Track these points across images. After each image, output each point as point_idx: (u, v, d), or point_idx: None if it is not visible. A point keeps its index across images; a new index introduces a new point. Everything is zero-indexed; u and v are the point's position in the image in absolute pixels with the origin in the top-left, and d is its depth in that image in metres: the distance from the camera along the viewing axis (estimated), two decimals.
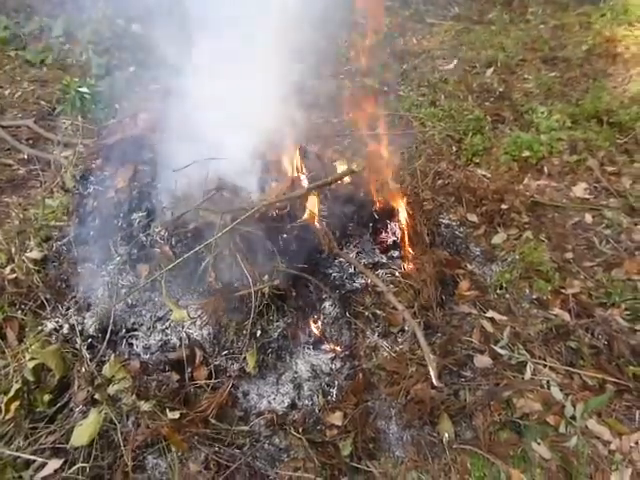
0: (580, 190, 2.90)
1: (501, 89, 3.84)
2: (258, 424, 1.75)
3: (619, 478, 1.65)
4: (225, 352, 1.87)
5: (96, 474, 1.58)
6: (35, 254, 2.20)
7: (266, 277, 1.86)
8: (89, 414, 1.65)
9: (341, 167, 2.32)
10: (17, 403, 1.67)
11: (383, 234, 2.27)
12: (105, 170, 2.29)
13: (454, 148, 3.27)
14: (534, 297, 2.25)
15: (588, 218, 2.69)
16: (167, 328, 1.92)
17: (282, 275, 1.89)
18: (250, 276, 1.80)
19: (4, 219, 2.58)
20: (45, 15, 4.64)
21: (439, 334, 2.04)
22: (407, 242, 2.27)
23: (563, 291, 2.25)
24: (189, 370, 1.81)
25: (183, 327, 1.90)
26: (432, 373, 1.73)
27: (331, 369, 1.90)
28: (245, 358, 1.83)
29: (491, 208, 2.70)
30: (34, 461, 1.58)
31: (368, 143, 2.46)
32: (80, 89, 3.52)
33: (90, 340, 1.89)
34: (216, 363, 1.85)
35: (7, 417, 1.65)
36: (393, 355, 1.94)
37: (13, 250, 2.20)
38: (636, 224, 2.63)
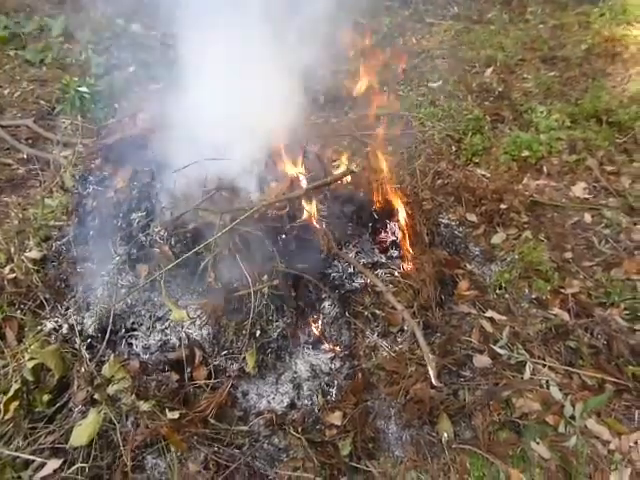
0: (579, 190, 2.90)
1: (500, 89, 3.84)
2: (257, 424, 1.75)
3: (618, 478, 1.66)
4: (224, 352, 1.87)
5: (95, 474, 1.59)
6: (34, 254, 2.20)
7: (265, 277, 1.86)
8: (88, 414, 1.65)
9: (340, 167, 2.32)
10: (16, 403, 1.67)
11: (382, 234, 2.27)
12: (104, 170, 2.29)
13: (453, 148, 3.27)
14: (533, 297, 2.25)
15: (587, 218, 2.70)
16: (166, 328, 1.92)
17: (281, 275, 1.89)
18: (249, 276, 1.80)
19: (3, 219, 2.58)
20: (45, 15, 4.64)
21: (438, 334, 2.04)
22: (406, 242, 2.27)
23: (562, 291, 2.25)
24: (188, 370, 1.81)
25: (182, 327, 1.90)
26: (431, 373, 1.73)
27: (330, 369, 1.90)
28: (244, 358, 1.83)
29: (490, 208, 2.70)
30: (33, 461, 1.58)
31: (368, 143, 2.46)
32: (79, 89, 3.52)
33: (89, 340, 1.89)
34: (215, 363, 1.85)
35: (6, 417, 1.65)
36: (392, 355, 1.95)
37: (12, 250, 2.20)
38: (635, 224, 2.63)
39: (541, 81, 3.86)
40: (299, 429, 1.72)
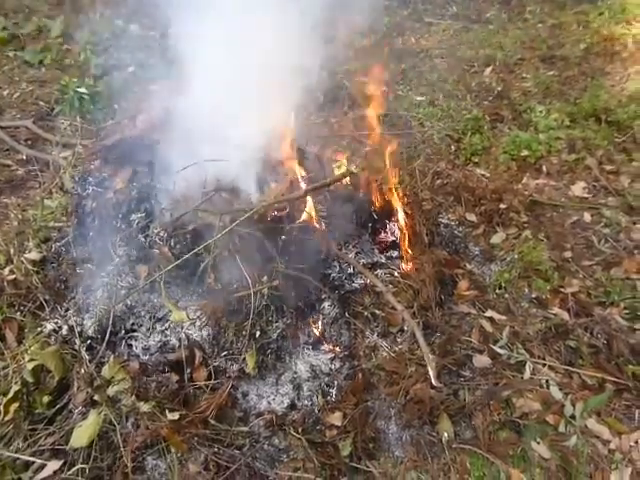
0: (579, 189, 2.90)
1: (499, 88, 3.84)
2: (258, 425, 1.75)
3: (619, 477, 1.66)
4: (224, 353, 1.87)
5: (95, 475, 1.58)
6: (34, 255, 2.19)
7: (265, 278, 1.86)
8: (88, 415, 1.65)
9: (340, 168, 2.32)
10: (16, 404, 1.67)
11: (382, 234, 2.27)
12: (104, 171, 2.28)
13: (453, 148, 3.27)
14: (533, 296, 2.25)
15: (587, 217, 2.70)
16: (166, 329, 1.92)
17: (281, 276, 1.89)
18: (249, 277, 1.80)
19: (3, 220, 2.58)
20: (43, 16, 4.64)
21: (438, 334, 2.04)
22: (406, 242, 2.27)
23: (562, 290, 2.25)
24: (188, 371, 1.81)
25: (182, 328, 1.90)
26: (431, 373, 1.73)
27: (330, 369, 1.90)
28: (244, 359, 1.83)
29: (490, 207, 2.70)
30: (33, 462, 1.58)
31: (367, 143, 2.46)
32: (79, 89, 3.52)
33: (89, 341, 1.89)
34: (215, 364, 1.85)
35: (6, 418, 1.65)
36: (392, 355, 1.95)
37: (12, 251, 2.20)
38: (635, 223, 2.63)
39: (540, 80, 3.86)
40: (299, 430, 1.72)
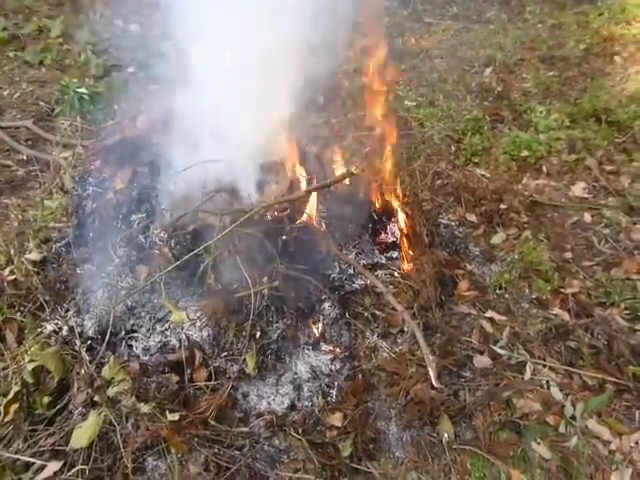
0: (579, 189, 2.90)
1: (500, 89, 3.84)
2: (258, 425, 1.74)
3: (619, 478, 1.66)
4: (225, 353, 1.86)
5: (96, 476, 1.58)
6: (34, 256, 2.19)
7: (265, 278, 1.86)
8: (88, 416, 1.65)
9: (340, 169, 2.32)
10: (16, 405, 1.67)
11: (382, 235, 2.27)
12: (104, 171, 2.28)
13: (453, 148, 3.27)
14: (533, 297, 2.25)
15: (587, 217, 2.70)
16: (166, 330, 1.91)
17: (281, 276, 1.88)
18: (249, 278, 1.80)
19: (3, 220, 2.58)
20: (44, 16, 4.64)
21: (438, 334, 2.04)
22: (406, 242, 2.27)
23: (562, 291, 2.25)
24: (189, 372, 1.80)
25: (182, 329, 1.90)
26: (432, 374, 1.73)
27: (331, 370, 1.90)
28: (245, 359, 1.82)
29: (490, 208, 2.70)
30: (33, 463, 1.58)
31: (367, 144, 2.46)
32: (79, 90, 3.52)
33: (89, 342, 1.89)
34: (216, 364, 1.84)
35: (6, 419, 1.65)
36: (393, 356, 1.95)
37: (12, 252, 2.20)
38: (635, 223, 2.63)
39: (540, 81, 3.86)
40: (299, 430, 1.72)
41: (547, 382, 1.90)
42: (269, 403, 1.82)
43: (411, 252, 2.25)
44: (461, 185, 2.86)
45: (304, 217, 2.06)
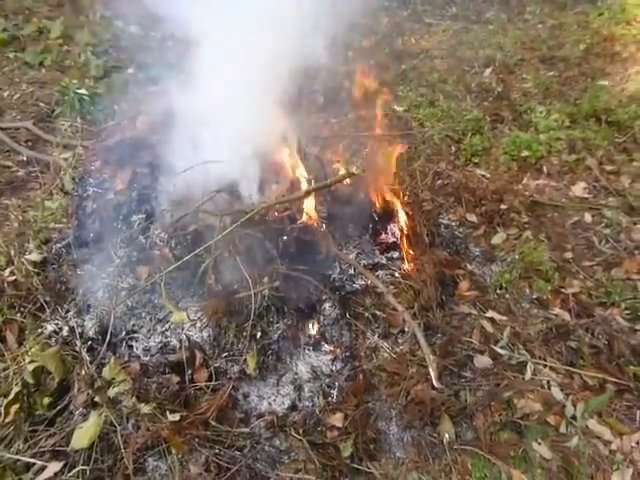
0: (579, 189, 2.90)
1: (500, 89, 3.84)
2: (258, 426, 1.74)
3: (620, 478, 1.66)
4: (225, 354, 1.86)
5: (96, 477, 1.58)
6: (34, 256, 2.19)
7: (266, 279, 1.86)
8: (89, 417, 1.65)
9: (340, 169, 2.32)
10: (17, 406, 1.67)
11: (383, 235, 2.27)
12: (104, 172, 2.28)
13: (453, 148, 3.27)
14: (534, 297, 2.25)
15: (587, 217, 2.70)
16: (167, 330, 1.91)
17: (282, 277, 1.88)
18: (250, 278, 1.80)
19: (3, 221, 2.58)
20: (43, 17, 4.64)
21: (439, 335, 2.04)
22: (407, 243, 2.27)
23: (563, 291, 2.25)
24: (189, 372, 1.80)
25: (183, 329, 1.90)
26: (432, 374, 1.73)
27: (331, 370, 1.90)
28: (245, 360, 1.82)
29: (490, 208, 2.70)
30: (34, 464, 1.58)
31: (367, 144, 2.46)
32: (79, 91, 3.52)
33: (90, 342, 1.89)
34: (216, 365, 1.84)
35: (7, 420, 1.65)
36: (393, 356, 1.94)
37: (12, 252, 2.20)
38: (635, 223, 2.63)
39: (540, 81, 3.86)
40: (300, 431, 1.72)
41: (548, 382, 1.90)
42: (270, 403, 1.81)
43: (411, 252, 2.25)
44: (461, 185, 2.86)
45: (304, 217, 2.06)
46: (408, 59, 4.37)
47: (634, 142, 3.17)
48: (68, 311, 2.01)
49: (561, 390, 1.87)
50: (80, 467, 1.56)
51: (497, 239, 2.56)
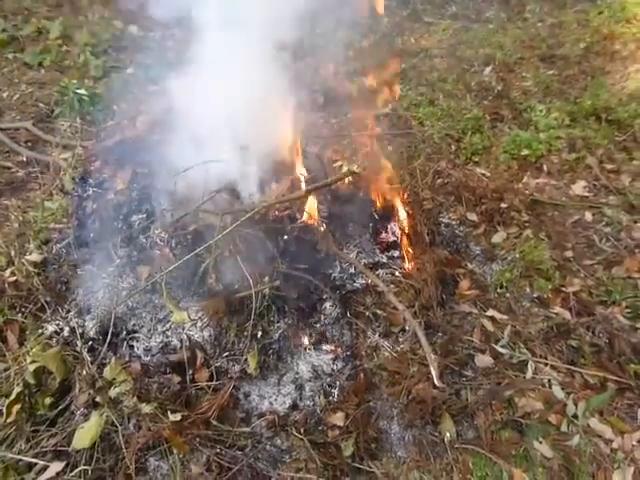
0: (579, 188, 2.90)
1: (499, 87, 3.84)
2: (260, 425, 1.74)
3: (621, 476, 1.65)
4: (226, 353, 1.86)
5: (98, 476, 1.58)
6: (35, 257, 2.19)
7: (267, 278, 1.86)
8: (90, 417, 1.65)
9: (341, 168, 2.32)
10: (18, 406, 1.67)
11: (383, 234, 2.27)
12: (104, 172, 2.28)
13: (453, 147, 3.27)
14: (534, 296, 2.25)
15: (588, 216, 2.70)
16: (168, 330, 1.91)
17: (282, 276, 1.88)
18: (250, 277, 1.79)
19: (3, 222, 2.58)
20: (43, 17, 4.64)
21: (440, 334, 2.03)
22: (407, 242, 2.26)
23: (563, 289, 2.25)
24: (190, 372, 1.80)
25: (184, 329, 1.90)
26: (433, 373, 1.73)
27: (332, 369, 1.90)
28: (246, 359, 1.82)
29: (491, 207, 2.69)
30: (36, 464, 1.58)
31: (367, 143, 2.46)
32: (78, 91, 3.52)
33: (91, 343, 1.89)
34: (217, 365, 1.84)
35: (8, 420, 1.65)
36: (394, 355, 1.94)
37: (13, 253, 2.20)
38: (636, 222, 2.63)
39: (540, 80, 3.86)
40: (301, 430, 1.72)
41: (549, 381, 1.90)
42: (271, 403, 1.81)
43: (412, 251, 2.25)
44: (461, 184, 2.86)
45: (305, 217, 2.06)
46: (408, 58, 4.36)
47: (634, 141, 3.17)
48: (69, 311, 2.01)
49: (562, 389, 1.87)
50: (82, 467, 1.57)
51: (497, 238, 2.55)
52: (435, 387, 1.78)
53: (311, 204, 2.09)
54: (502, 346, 2.00)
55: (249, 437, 1.71)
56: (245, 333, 1.84)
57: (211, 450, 1.65)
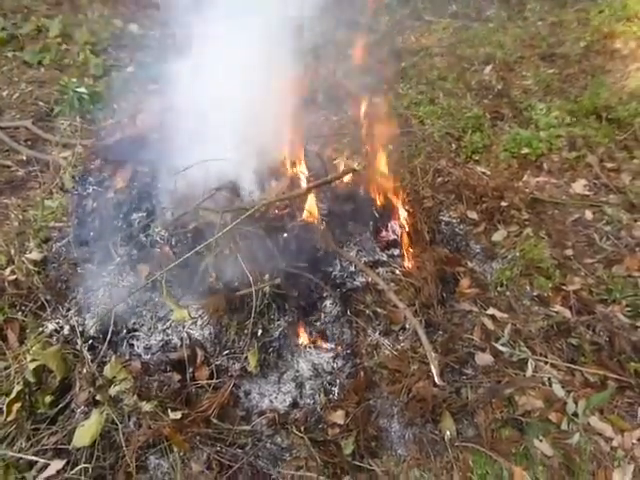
0: (580, 187, 2.90)
1: (500, 86, 3.83)
2: (260, 423, 1.74)
3: (621, 475, 1.66)
4: (226, 352, 1.86)
5: (98, 475, 1.58)
6: (35, 255, 2.19)
7: (267, 276, 1.85)
8: (91, 415, 1.65)
9: (341, 166, 2.32)
10: (19, 405, 1.67)
11: (383, 232, 2.27)
12: (104, 171, 2.28)
13: (453, 146, 3.27)
14: (535, 294, 2.25)
15: (588, 215, 2.70)
16: (168, 328, 1.91)
17: (283, 274, 1.88)
18: (251, 275, 1.79)
19: (3, 220, 2.58)
20: (42, 16, 4.64)
21: (440, 332, 2.03)
22: (407, 240, 2.26)
23: (564, 288, 2.25)
24: (190, 370, 1.80)
25: (184, 327, 1.90)
26: (434, 371, 1.73)
27: (333, 368, 1.90)
28: (246, 357, 1.82)
29: (491, 205, 2.70)
30: (36, 462, 1.58)
31: (368, 141, 2.46)
32: (78, 89, 3.52)
33: (91, 341, 1.89)
34: (217, 363, 1.84)
35: (9, 419, 1.65)
36: (394, 353, 1.94)
37: (13, 251, 2.19)
38: (636, 220, 2.63)
39: (540, 78, 3.86)
40: (302, 428, 1.72)
41: (549, 379, 1.90)
42: (271, 401, 1.81)
43: (412, 249, 2.25)
44: (462, 182, 2.86)
45: (305, 215, 2.06)
46: (408, 56, 4.36)
47: (634, 139, 3.17)
48: (69, 310, 2.01)
49: (562, 387, 1.87)
50: (82, 465, 1.57)
51: (498, 236, 2.55)
52: (435, 385, 1.78)
53: (311, 202, 2.09)
54: (502, 344, 2.00)
55: (249, 435, 1.71)
56: (245, 331, 1.84)
57: (211, 448, 1.65)
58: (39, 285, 2.07)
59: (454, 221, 2.63)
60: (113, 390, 1.71)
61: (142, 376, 1.77)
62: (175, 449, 1.64)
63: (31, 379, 1.72)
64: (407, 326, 2.01)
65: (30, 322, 1.96)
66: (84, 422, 1.64)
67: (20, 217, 2.48)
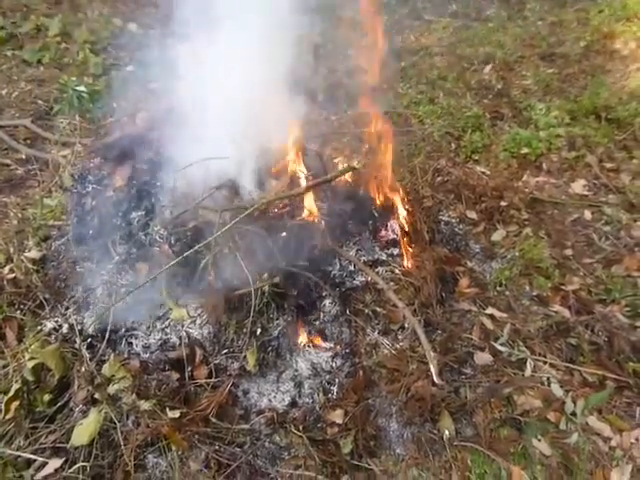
0: (579, 187, 2.90)
1: (499, 86, 3.83)
2: (259, 422, 1.74)
3: (620, 474, 1.66)
4: (225, 351, 1.86)
5: (97, 473, 1.58)
6: (34, 254, 2.19)
7: (266, 275, 1.85)
8: (89, 413, 1.65)
9: (341, 165, 2.32)
10: (17, 403, 1.67)
11: (383, 232, 2.27)
12: (103, 169, 2.28)
13: (453, 145, 3.27)
14: (534, 294, 2.25)
15: (587, 215, 2.70)
16: (167, 327, 1.91)
17: (282, 273, 1.88)
18: (250, 274, 1.79)
19: (2, 219, 2.58)
20: (42, 14, 4.63)
21: (439, 331, 2.03)
22: (407, 239, 2.26)
23: (563, 288, 2.25)
24: (189, 369, 1.80)
25: (183, 326, 1.90)
26: (433, 370, 1.73)
27: (331, 367, 1.89)
28: (245, 356, 1.82)
29: (490, 205, 2.69)
30: (35, 460, 1.58)
31: (367, 141, 2.46)
32: (77, 88, 3.52)
33: (90, 339, 1.89)
34: (216, 362, 1.84)
35: (7, 417, 1.65)
36: (393, 352, 1.94)
37: (12, 250, 2.19)
38: (635, 220, 2.63)
39: (540, 78, 3.86)
40: (300, 427, 1.72)
41: (548, 379, 1.90)
42: (270, 400, 1.81)
43: (412, 249, 2.25)
44: (461, 182, 2.86)
45: (305, 213, 2.05)
46: (408, 56, 4.36)
47: (634, 139, 3.17)
48: (68, 308, 2.01)
49: (561, 387, 1.87)
50: (80, 463, 1.57)
51: (497, 236, 2.55)
52: (434, 385, 1.78)
53: (311, 201, 2.08)
54: (501, 344, 2.00)
55: (248, 434, 1.71)
56: (244, 330, 1.84)
57: (210, 447, 1.65)
58: (38, 284, 2.06)
59: (453, 221, 2.63)
60: (112, 389, 1.71)
61: (141, 375, 1.77)
62: (173, 448, 1.64)
63: (29, 377, 1.72)
64: (406, 325, 2.01)
65: (29, 320, 1.96)
66: (82, 420, 1.64)
67: (19, 215, 2.48)
